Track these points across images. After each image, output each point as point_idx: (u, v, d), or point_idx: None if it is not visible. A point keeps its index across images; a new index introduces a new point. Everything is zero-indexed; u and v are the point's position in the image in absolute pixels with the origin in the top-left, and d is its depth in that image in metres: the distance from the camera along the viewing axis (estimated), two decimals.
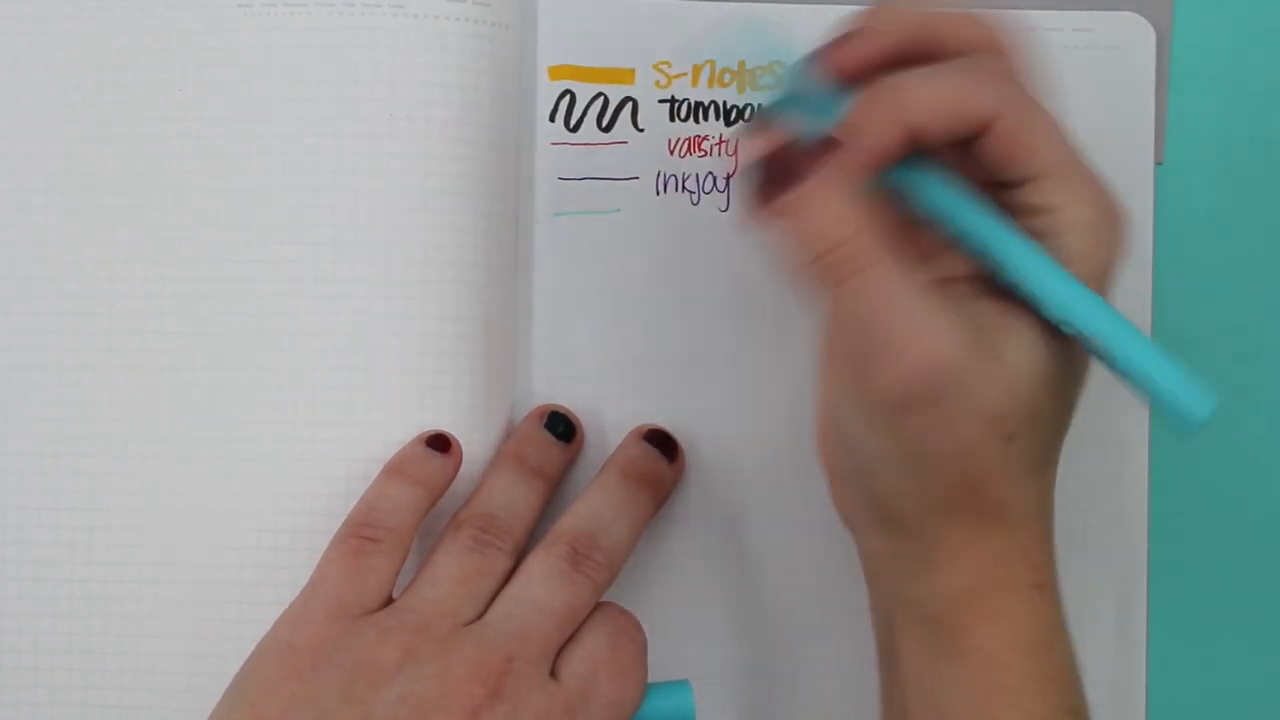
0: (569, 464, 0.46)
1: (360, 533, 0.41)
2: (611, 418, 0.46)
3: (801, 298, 0.36)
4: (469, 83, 0.45)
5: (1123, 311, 0.47)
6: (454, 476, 0.44)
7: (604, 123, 0.47)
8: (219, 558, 0.45)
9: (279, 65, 0.45)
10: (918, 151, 0.36)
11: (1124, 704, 0.46)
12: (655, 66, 0.47)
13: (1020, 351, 0.36)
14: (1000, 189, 0.36)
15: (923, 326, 0.34)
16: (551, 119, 0.47)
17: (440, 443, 0.44)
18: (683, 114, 0.47)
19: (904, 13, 0.36)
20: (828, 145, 0.35)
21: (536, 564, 0.41)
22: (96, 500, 0.45)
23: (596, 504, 0.43)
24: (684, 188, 0.47)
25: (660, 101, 0.47)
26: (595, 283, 0.46)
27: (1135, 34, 0.47)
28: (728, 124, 0.47)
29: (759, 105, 0.36)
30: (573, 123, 0.47)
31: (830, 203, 0.35)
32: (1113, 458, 0.47)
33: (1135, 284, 0.47)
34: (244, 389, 0.45)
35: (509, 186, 0.46)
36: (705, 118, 0.47)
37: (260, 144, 0.45)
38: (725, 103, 0.47)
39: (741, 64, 0.47)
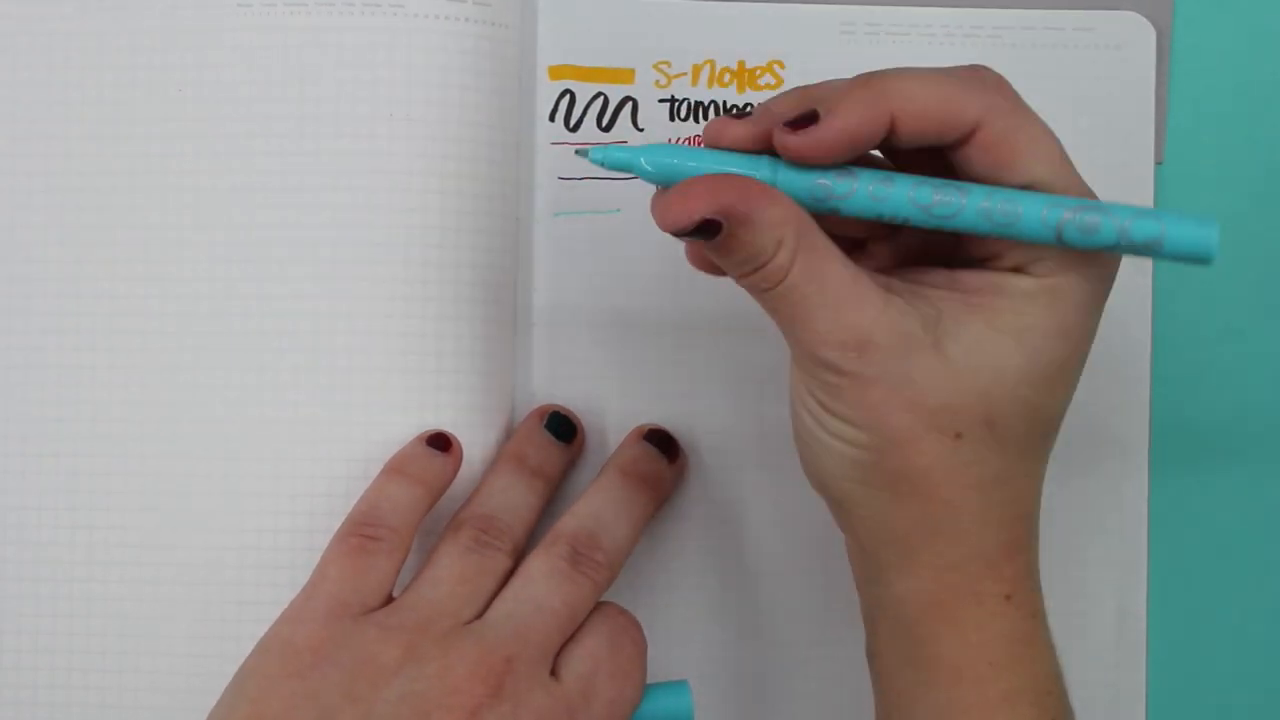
0: (569, 464, 0.46)
1: (361, 531, 0.41)
2: (611, 418, 0.46)
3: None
4: (469, 82, 0.45)
5: (1124, 312, 0.47)
6: (454, 476, 0.44)
7: (604, 122, 0.47)
8: (219, 557, 0.45)
9: (279, 65, 0.45)
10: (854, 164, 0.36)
11: (1124, 704, 0.46)
12: (655, 66, 0.47)
13: (968, 348, 0.35)
14: None
15: (858, 294, 0.35)
16: (551, 119, 0.47)
17: (440, 442, 0.44)
18: (683, 113, 0.47)
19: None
20: (805, 119, 0.35)
21: (537, 564, 0.41)
22: (96, 500, 0.45)
23: (597, 504, 0.43)
24: None
25: (660, 101, 0.47)
26: (595, 283, 0.46)
27: (1135, 34, 0.47)
28: None
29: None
30: (573, 122, 0.47)
31: (752, 236, 0.34)
32: (1113, 458, 0.47)
33: (1135, 284, 0.47)
34: (244, 389, 0.45)
35: (509, 186, 0.46)
36: (705, 117, 0.47)
37: (260, 144, 0.45)
38: (725, 102, 0.47)
39: (741, 63, 0.47)
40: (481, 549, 0.41)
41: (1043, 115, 0.47)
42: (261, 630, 0.39)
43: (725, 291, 0.47)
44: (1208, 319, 0.48)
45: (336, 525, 0.42)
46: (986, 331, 0.35)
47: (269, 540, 0.45)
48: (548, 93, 0.47)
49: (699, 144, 0.38)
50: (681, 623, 0.46)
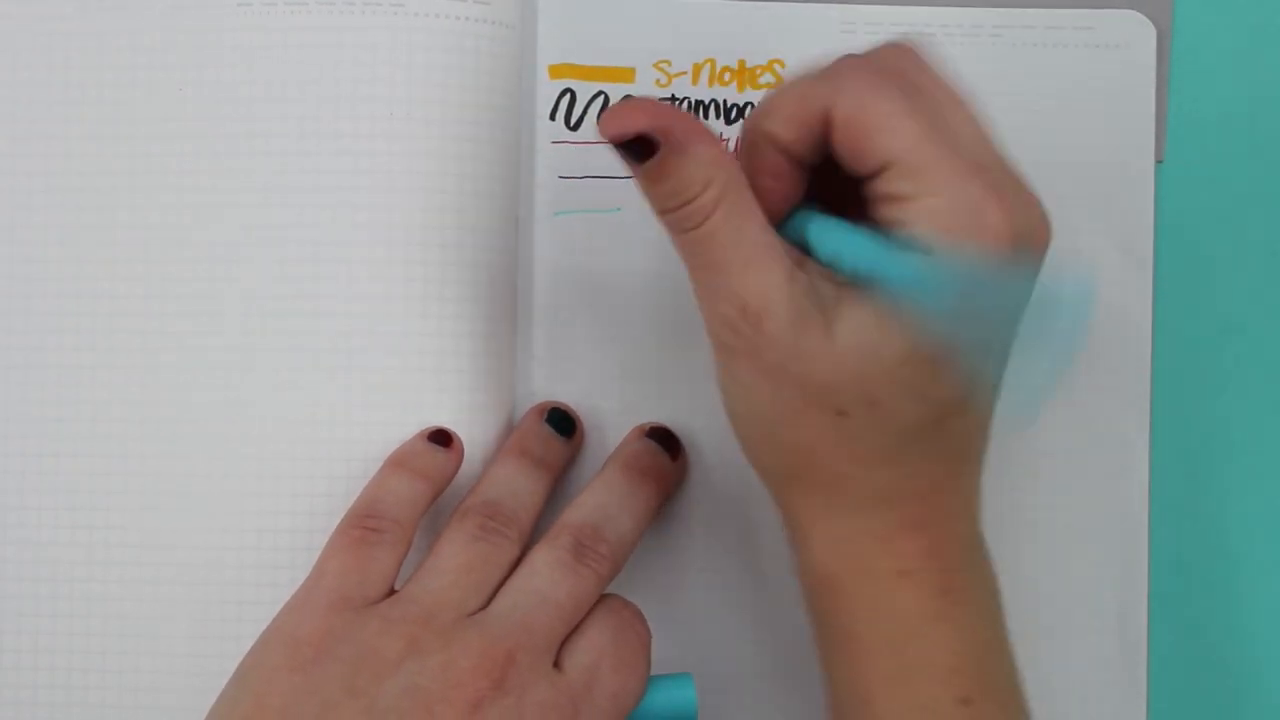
0: (570, 459, 0.46)
1: (363, 524, 0.41)
2: (612, 417, 0.46)
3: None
4: (469, 81, 0.45)
5: (1124, 311, 0.47)
6: (455, 472, 0.44)
7: None
8: (219, 557, 0.45)
9: (279, 64, 0.45)
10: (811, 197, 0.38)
11: (1124, 703, 0.46)
12: (655, 65, 0.47)
13: (852, 331, 0.36)
14: (870, 184, 0.36)
15: (768, 261, 0.36)
16: (552, 117, 0.47)
17: (442, 438, 0.44)
18: None
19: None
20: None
21: (541, 556, 0.41)
22: (96, 500, 0.45)
23: (601, 497, 0.43)
24: None
25: (660, 100, 0.47)
26: (595, 282, 0.46)
27: (1135, 33, 0.47)
28: (728, 122, 0.47)
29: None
30: (573, 121, 0.47)
31: (684, 167, 0.36)
32: (1113, 458, 0.47)
33: (1135, 284, 0.47)
34: (244, 388, 0.45)
35: (510, 185, 0.46)
36: (705, 116, 0.47)
37: (260, 143, 0.45)
38: (725, 101, 0.47)
39: (741, 62, 0.47)
40: (488, 536, 0.41)
41: (1043, 114, 0.47)
42: (261, 629, 0.39)
43: None
44: (1208, 318, 0.48)
45: (336, 524, 0.42)
46: (871, 313, 0.36)
47: (269, 540, 0.45)
48: (548, 92, 0.47)
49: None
50: (686, 616, 0.46)
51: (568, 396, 0.46)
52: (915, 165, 0.35)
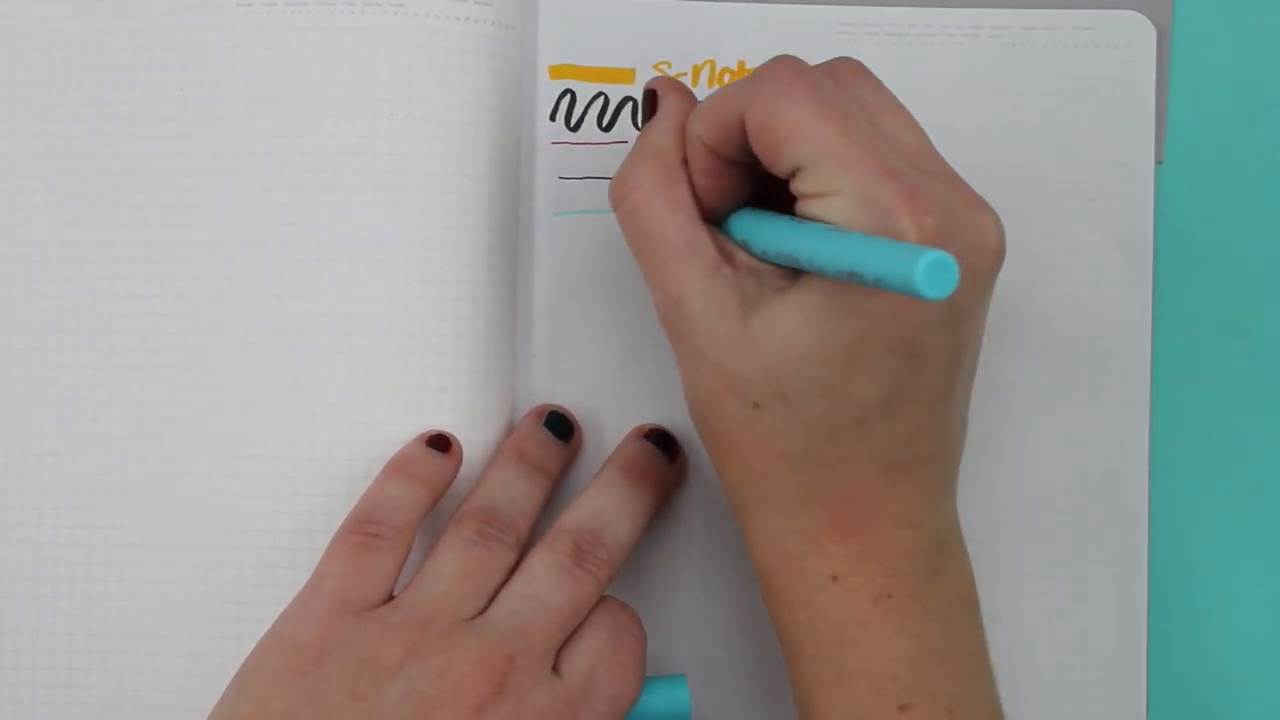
0: (568, 463, 0.46)
1: (363, 529, 0.41)
2: (611, 418, 0.46)
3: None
4: (470, 82, 0.45)
5: (1124, 311, 0.47)
6: (454, 476, 0.44)
7: (604, 122, 0.47)
8: (219, 557, 0.45)
9: (279, 64, 0.45)
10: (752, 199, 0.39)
11: (1124, 702, 0.46)
12: (655, 66, 0.47)
13: (766, 325, 0.36)
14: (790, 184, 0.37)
15: (690, 254, 0.37)
16: (552, 118, 0.47)
17: (441, 443, 0.44)
18: None
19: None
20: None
21: (539, 560, 0.41)
22: (96, 500, 0.45)
23: (599, 501, 0.43)
24: None
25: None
26: (595, 282, 0.46)
27: (1136, 33, 0.47)
28: None
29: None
30: (573, 122, 0.47)
31: (629, 168, 0.39)
32: (1113, 458, 0.47)
33: (1136, 284, 0.47)
34: (244, 388, 0.45)
35: (509, 185, 0.46)
36: None
37: (260, 143, 0.45)
38: None
39: (741, 63, 0.47)
40: (485, 542, 0.41)
41: (1042, 115, 0.47)
42: (261, 630, 0.39)
43: None
44: (1208, 319, 0.48)
45: (337, 525, 0.42)
46: (784, 307, 0.36)
47: (269, 540, 0.45)
48: (548, 92, 0.47)
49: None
50: (682, 619, 0.46)
51: (568, 396, 0.46)
52: (821, 167, 0.35)
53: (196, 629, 0.45)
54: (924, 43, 0.47)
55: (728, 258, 0.38)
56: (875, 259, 0.32)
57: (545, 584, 0.40)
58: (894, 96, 0.38)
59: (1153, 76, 0.47)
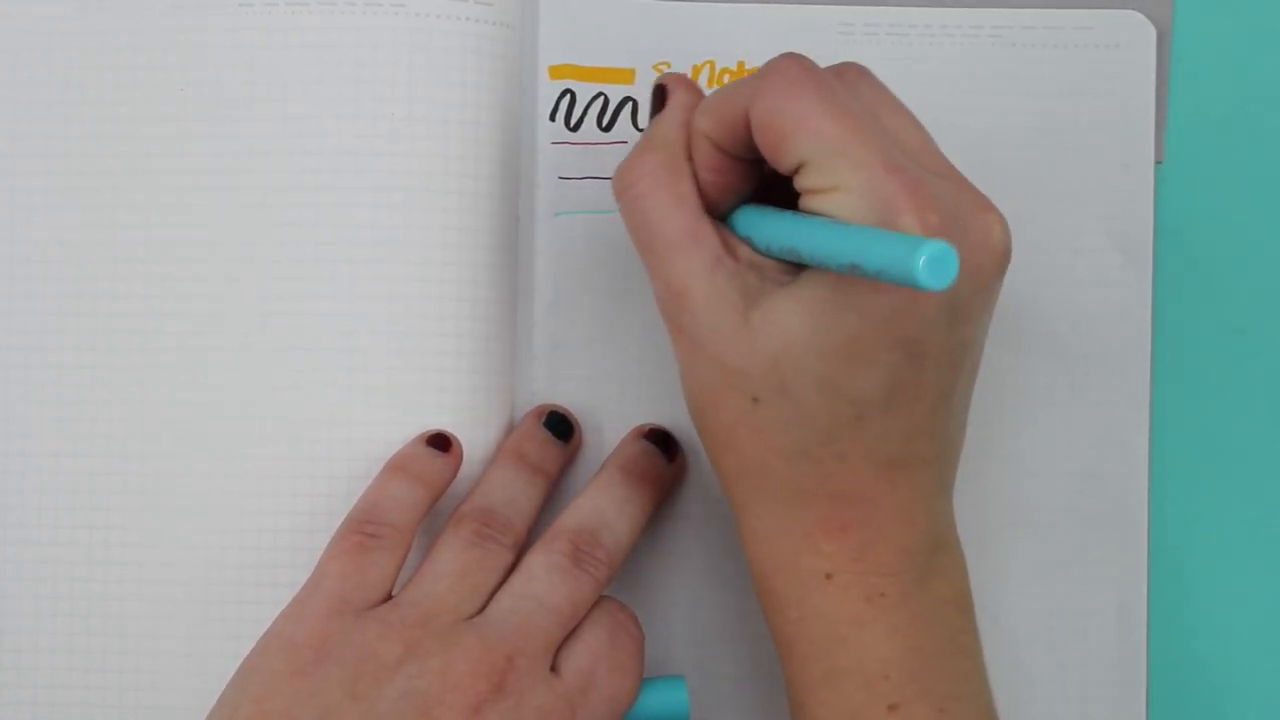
0: (567, 463, 0.46)
1: (362, 529, 0.41)
2: (611, 418, 0.46)
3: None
4: (470, 82, 0.45)
5: (1124, 311, 0.47)
6: (454, 476, 0.44)
7: (604, 122, 0.47)
8: (219, 557, 0.45)
9: (280, 64, 0.45)
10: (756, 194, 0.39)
11: (1124, 703, 0.46)
12: (655, 66, 0.47)
13: (768, 319, 0.36)
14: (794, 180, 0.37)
15: (691, 247, 0.37)
16: (552, 118, 0.47)
17: (441, 442, 0.44)
18: None
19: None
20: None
21: (538, 560, 0.41)
22: (96, 500, 0.45)
23: (598, 501, 0.43)
24: None
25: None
26: (595, 282, 0.47)
27: (1136, 33, 0.47)
28: None
29: None
30: (573, 122, 0.47)
31: (634, 159, 0.39)
32: (1113, 458, 0.47)
33: (1135, 284, 0.47)
34: (244, 388, 0.45)
35: (510, 186, 0.46)
36: None
37: (261, 143, 0.45)
38: None
39: (741, 63, 0.47)
40: (483, 543, 0.41)
41: (1042, 115, 0.47)
42: (261, 631, 0.39)
43: None
44: (1208, 319, 0.48)
45: (337, 525, 0.42)
46: (786, 301, 0.36)
47: (269, 540, 0.45)
48: (548, 93, 0.47)
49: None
50: (680, 619, 0.46)
51: (568, 396, 0.46)
52: (826, 162, 0.35)
53: (196, 629, 0.45)
54: (924, 43, 0.47)
55: (730, 251, 0.38)
56: (876, 249, 0.32)
57: (544, 584, 0.40)
58: (897, 98, 0.38)
59: (1153, 76, 0.47)
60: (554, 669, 0.39)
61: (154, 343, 0.45)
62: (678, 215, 0.38)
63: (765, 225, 0.38)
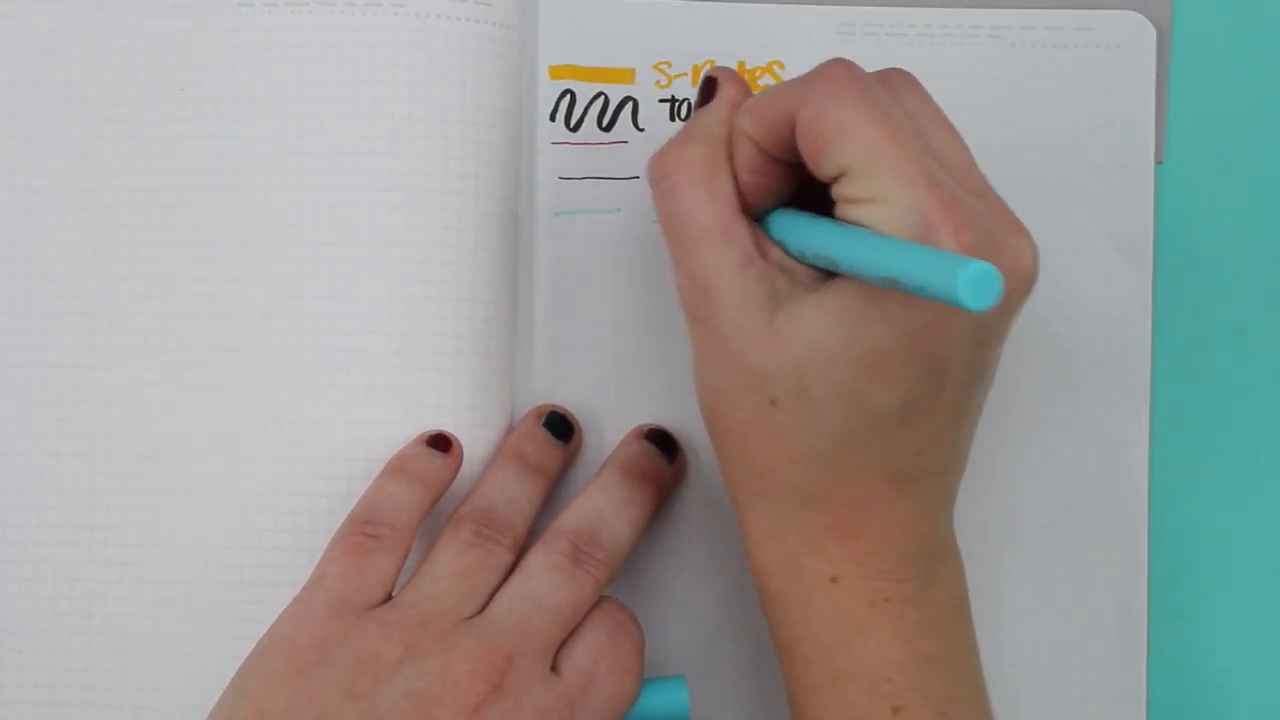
0: (567, 464, 0.46)
1: (362, 530, 0.41)
2: (611, 418, 0.46)
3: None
4: (470, 82, 0.45)
5: (1124, 311, 0.47)
6: (454, 476, 0.44)
7: (604, 122, 0.47)
8: (219, 557, 0.45)
9: (280, 64, 0.45)
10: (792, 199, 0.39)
11: (1124, 703, 0.46)
12: (655, 66, 0.47)
13: (793, 318, 0.36)
14: (833, 188, 0.37)
15: (722, 243, 0.37)
16: (552, 119, 0.47)
17: (441, 443, 0.44)
18: (683, 114, 0.47)
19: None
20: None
21: (538, 560, 0.41)
22: (96, 500, 0.45)
23: (598, 501, 0.43)
24: None
25: (661, 101, 0.47)
26: (595, 283, 0.46)
27: (1136, 33, 0.47)
28: None
29: None
30: (573, 122, 0.47)
31: (674, 148, 0.39)
32: (1113, 458, 0.47)
33: (1135, 284, 0.47)
34: (244, 389, 0.45)
35: (510, 186, 0.46)
36: None
37: (261, 143, 0.45)
38: None
39: (741, 64, 0.47)
40: (483, 543, 0.41)
41: (1043, 114, 0.47)
42: (261, 631, 0.39)
43: None
44: (1208, 319, 0.48)
45: (336, 525, 0.42)
46: (814, 307, 0.36)
47: (269, 541, 0.45)
48: (548, 93, 0.47)
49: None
50: (680, 619, 0.46)
51: (568, 396, 0.46)
52: (868, 172, 0.35)
53: (196, 629, 0.45)
54: (924, 43, 0.47)
55: (762, 252, 0.38)
56: (919, 266, 0.31)
57: (544, 584, 0.40)
58: (941, 111, 0.38)
59: (1153, 76, 0.47)
60: (554, 669, 0.39)
61: (154, 343, 0.45)
62: (712, 209, 0.38)
63: (802, 231, 0.37)
